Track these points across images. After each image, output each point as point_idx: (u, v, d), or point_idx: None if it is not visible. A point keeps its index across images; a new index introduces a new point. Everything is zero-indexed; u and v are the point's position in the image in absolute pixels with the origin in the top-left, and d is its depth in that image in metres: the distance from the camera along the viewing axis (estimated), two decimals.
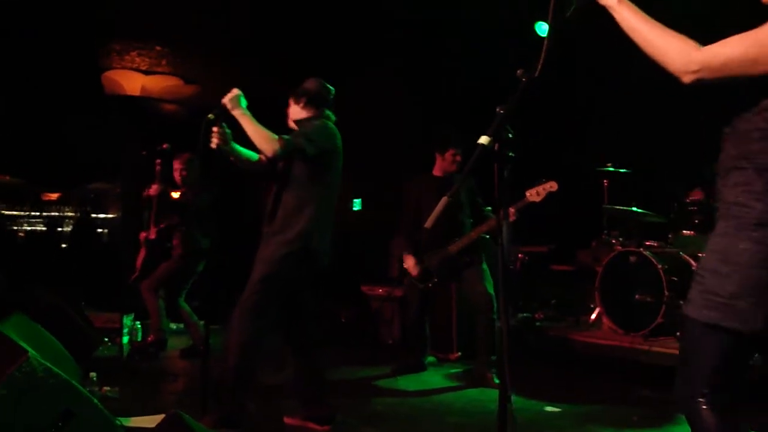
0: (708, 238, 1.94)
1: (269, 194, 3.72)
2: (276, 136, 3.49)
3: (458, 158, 5.13)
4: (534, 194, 4.66)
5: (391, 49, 7.55)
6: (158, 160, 5.78)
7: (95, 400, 2.48)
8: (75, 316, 4.80)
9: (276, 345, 3.71)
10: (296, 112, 3.76)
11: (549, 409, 4.22)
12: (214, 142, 3.59)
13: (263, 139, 3.50)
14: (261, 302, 3.49)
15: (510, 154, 2.32)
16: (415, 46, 7.55)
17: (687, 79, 1.86)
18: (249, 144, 3.59)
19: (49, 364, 2.39)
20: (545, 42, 2.15)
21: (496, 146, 2.26)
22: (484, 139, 2.21)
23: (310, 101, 3.73)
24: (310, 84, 3.78)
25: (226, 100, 3.54)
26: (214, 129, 3.59)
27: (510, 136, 2.31)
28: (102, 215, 13.01)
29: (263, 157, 3.63)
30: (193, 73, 9.38)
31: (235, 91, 3.55)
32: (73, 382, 2.45)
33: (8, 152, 11.12)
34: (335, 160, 3.69)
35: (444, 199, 2.34)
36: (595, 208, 6.70)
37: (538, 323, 5.92)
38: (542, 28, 7.01)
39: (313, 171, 3.59)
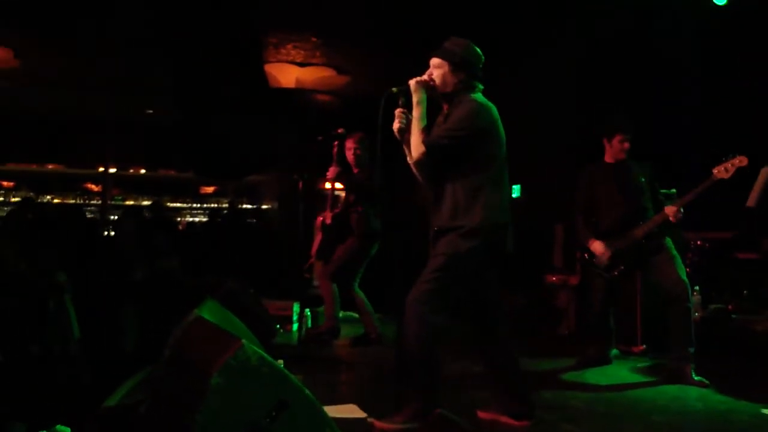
0: None
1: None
2: (423, 147, 3.29)
3: (626, 145, 4.78)
4: (722, 171, 4.31)
5: (553, 35, 7.17)
6: (335, 143, 5.72)
7: (307, 391, 2.37)
8: (254, 303, 4.84)
9: (453, 334, 3.51)
10: (448, 80, 3.39)
11: (767, 411, 3.77)
12: (396, 124, 3.43)
13: (416, 142, 3.33)
14: (434, 291, 3.28)
15: None
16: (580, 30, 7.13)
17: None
18: None
19: (262, 352, 2.30)
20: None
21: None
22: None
23: (469, 77, 3.40)
24: (467, 51, 3.42)
25: (413, 81, 3.37)
26: (398, 110, 3.44)
27: None
28: (257, 206, 13.49)
29: None
30: (346, 64, 9.42)
31: (427, 77, 3.37)
32: (285, 371, 2.35)
33: (173, 148, 11.73)
34: (495, 135, 3.36)
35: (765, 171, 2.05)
36: None
37: (734, 315, 5.39)
38: None
39: (471, 157, 3.32)
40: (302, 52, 8.99)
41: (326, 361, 5.17)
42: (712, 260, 6.45)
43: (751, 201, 5.24)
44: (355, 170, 5.72)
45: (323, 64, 9.43)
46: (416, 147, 3.34)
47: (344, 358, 5.30)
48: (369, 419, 3.37)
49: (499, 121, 3.39)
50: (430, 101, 3.40)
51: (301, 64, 9.39)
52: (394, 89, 3.39)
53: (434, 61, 3.43)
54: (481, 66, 3.46)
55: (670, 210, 4.48)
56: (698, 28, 6.35)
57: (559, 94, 7.31)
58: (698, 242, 6.41)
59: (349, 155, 5.69)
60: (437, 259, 3.32)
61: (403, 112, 3.41)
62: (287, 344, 5.67)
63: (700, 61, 6.49)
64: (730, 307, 5.58)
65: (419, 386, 3.27)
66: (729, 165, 4.26)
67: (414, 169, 3.46)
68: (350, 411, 3.59)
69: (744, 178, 4.40)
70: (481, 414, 3.49)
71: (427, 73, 3.41)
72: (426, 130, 3.35)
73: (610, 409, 3.82)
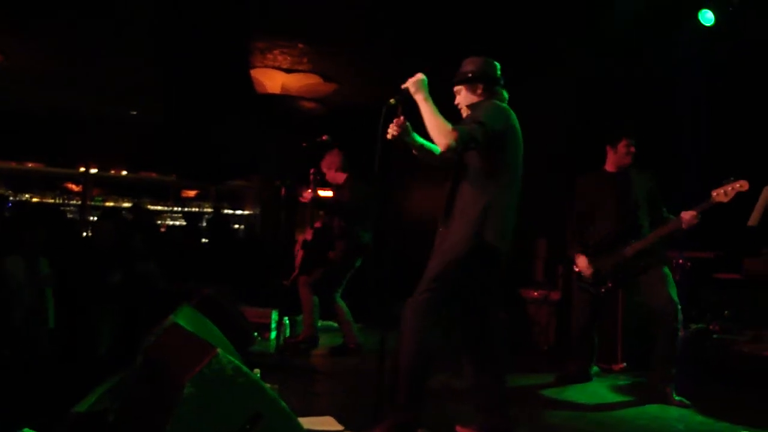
0: None
1: (443, 188, 3.45)
2: (450, 127, 3.21)
3: (632, 149, 4.72)
4: (721, 194, 4.24)
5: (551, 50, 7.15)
6: (312, 172, 5.68)
7: (282, 403, 2.30)
8: (232, 310, 4.76)
9: (453, 347, 3.45)
10: (469, 98, 3.46)
11: None
12: (391, 132, 3.38)
13: (439, 131, 3.22)
14: (433, 301, 3.22)
15: None
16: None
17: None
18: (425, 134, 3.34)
19: (238, 362, 2.22)
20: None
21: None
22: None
23: (487, 87, 3.43)
24: (478, 66, 3.44)
25: (408, 83, 3.32)
26: (396, 120, 3.37)
27: None
28: (239, 211, 13.37)
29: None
30: (333, 72, 9.34)
31: (419, 75, 3.32)
32: (261, 382, 2.27)
33: (156, 150, 11.60)
34: (511, 141, 3.33)
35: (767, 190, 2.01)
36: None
37: (715, 335, 5.37)
38: (706, 17, 6.51)
39: (488, 157, 3.27)
40: (289, 58, 8.90)
41: (303, 370, 5.08)
42: (694, 280, 6.43)
43: (753, 221, 5.21)
44: (340, 179, 5.66)
45: (310, 71, 9.36)
46: (443, 133, 3.17)
47: (322, 367, 5.22)
48: None
49: (517, 126, 3.36)
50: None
51: (288, 71, 9.31)
52: (392, 100, 3.32)
53: (455, 89, 3.50)
54: (499, 74, 3.47)
55: (686, 215, 4.33)
56: (692, 48, 6.37)
57: (546, 108, 7.28)
58: (680, 261, 6.40)
59: (330, 172, 5.66)
60: (437, 266, 3.26)
61: (401, 122, 3.33)
62: (264, 352, 5.58)
63: (699, 83, 6.49)
64: (711, 326, 5.56)
65: (403, 399, 3.20)
66: (729, 188, 4.18)
67: (440, 157, 3.39)
68: (327, 423, 3.51)
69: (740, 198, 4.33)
70: (460, 429, 3.42)
71: (418, 75, 3.34)
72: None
73: (590, 427, 3.77)
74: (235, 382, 2.21)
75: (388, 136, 3.35)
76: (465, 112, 3.47)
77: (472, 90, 3.44)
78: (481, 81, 3.43)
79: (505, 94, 3.48)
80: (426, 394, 3.28)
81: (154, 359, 2.57)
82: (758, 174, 4.50)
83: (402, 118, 3.36)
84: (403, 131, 3.34)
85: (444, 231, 3.34)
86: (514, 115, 3.36)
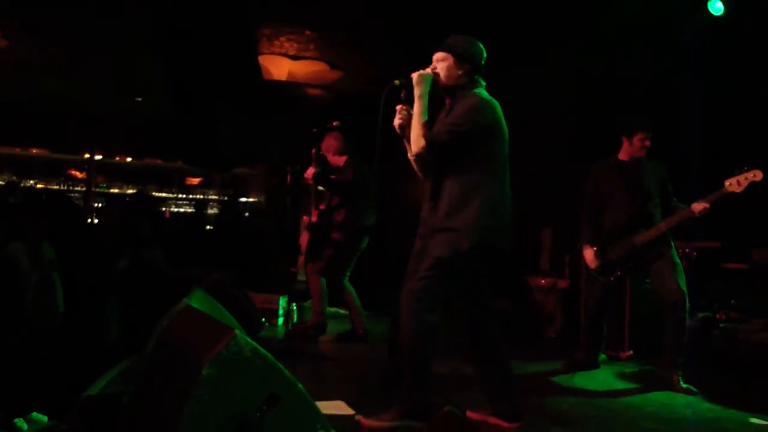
0: None
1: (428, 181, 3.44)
2: (424, 141, 3.23)
3: (647, 143, 4.71)
4: (734, 184, 4.24)
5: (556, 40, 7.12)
6: (313, 150, 5.66)
7: (299, 385, 2.31)
8: (241, 295, 4.77)
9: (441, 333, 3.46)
10: (452, 74, 3.35)
11: (755, 420, 3.75)
12: (398, 120, 3.38)
13: (416, 136, 3.27)
14: (430, 288, 3.20)
15: None
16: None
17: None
18: None
19: (255, 344, 2.23)
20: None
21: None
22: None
23: (472, 70, 3.36)
24: (471, 46, 3.38)
25: (416, 74, 3.31)
26: (399, 106, 3.38)
27: None
28: (243, 199, 13.38)
29: None
30: (339, 59, 9.32)
31: (428, 71, 3.32)
32: (279, 364, 2.28)
33: (161, 137, 11.59)
34: (497, 133, 3.30)
35: None
36: None
37: (722, 324, 5.38)
38: (715, 6, 6.49)
39: (472, 154, 3.24)
40: (295, 45, 8.89)
41: (312, 356, 5.10)
42: (701, 269, 6.44)
43: None
44: (340, 161, 5.64)
45: (316, 58, 9.34)
46: (416, 141, 3.28)
47: (330, 353, 5.24)
48: (356, 416, 3.30)
49: (503, 119, 3.32)
50: (432, 97, 3.35)
51: (294, 57, 9.29)
52: (397, 81, 3.33)
53: (438, 55, 3.38)
54: (483, 62, 3.40)
55: (698, 206, 4.33)
56: (701, 39, 6.34)
57: (553, 96, 7.27)
58: (686, 250, 6.40)
59: (330, 153, 5.64)
60: (432, 257, 3.25)
61: (404, 108, 3.35)
62: (272, 338, 5.60)
63: (706, 74, 6.47)
64: (718, 315, 5.57)
65: (411, 384, 3.21)
66: (742, 178, 4.18)
67: (414, 164, 3.40)
68: (337, 407, 3.52)
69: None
70: (471, 414, 3.43)
71: (431, 67, 3.36)
72: (427, 125, 3.30)
73: (600, 414, 3.79)
74: (254, 364, 2.22)
75: (395, 123, 3.36)
76: (444, 80, 3.36)
77: (459, 64, 3.34)
78: (470, 62, 3.36)
79: (483, 82, 3.42)
80: (434, 379, 3.30)
81: (169, 342, 2.58)
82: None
83: (404, 106, 3.36)
84: (403, 121, 3.34)
85: (434, 226, 3.30)
86: (498, 107, 3.33)
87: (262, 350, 2.24)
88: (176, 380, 2.30)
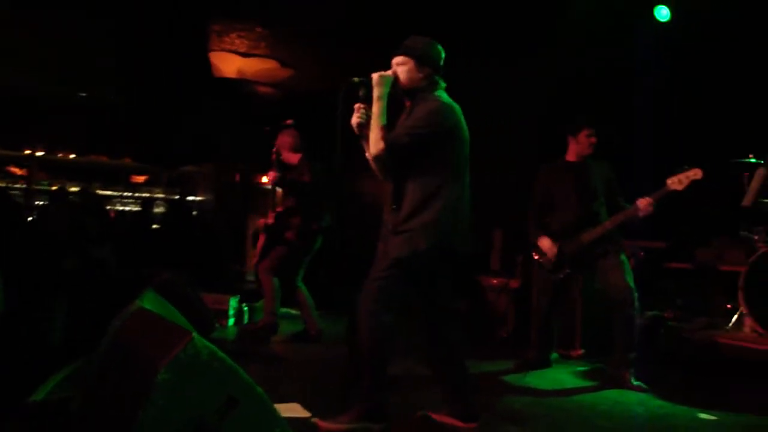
0: None
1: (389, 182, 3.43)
2: (383, 144, 3.22)
3: (593, 140, 4.80)
4: (676, 182, 4.35)
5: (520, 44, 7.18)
6: (274, 151, 5.59)
7: (258, 388, 2.26)
8: (193, 295, 4.67)
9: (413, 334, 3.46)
10: (413, 77, 3.33)
11: (703, 416, 3.84)
12: (356, 119, 3.35)
13: (374, 138, 3.26)
14: (387, 287, 3.20)
15: None
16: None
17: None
18: None
19: (213, 347, 2.18)
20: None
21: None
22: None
23: (432, 72, 3.35)
24: (431, 48, 3.37)
25: (376, 75, 3.29)
26: (357, 105, 3.35)
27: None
28: (190, 197, 13.16)
29: None
30: (290, 57, 9.25)
31: (389, 73, 3.30)
32: (237, 367, 2.23)
33: (107, 133, 11.31)
34: (458, 137, 3.30)
35: (759, 172, 2.04)
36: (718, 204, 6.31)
37: (669, 323, 5.51)
38: (661, 13, 6.65)
39: (432, 156, 3.25)
40: (246, 42, 8.79)
41: (264, 357, 5.03)
42: (647, 269, 6.57)
43: (747, 201, 5.41)
44: (294, 159, 5.57)
45: (267, 56, 9.24)
46: (375, 143, 3.26)
47: (283, 354, 5.18)
48: (313, 419, 3.27)
49: (463, 121, 3.33)
50: (390, 98, 3.33)
51: (245, 55, 9.18)
52: (356, 79, 3.30)
53: (397, 59, 3.36)
54: (442, 63, 3.40)
55: (642, 202, 4.41)
56: (648, 43, 6.49)
57: (507, 99, 7.33)
58: (633, 251, 6.53)
59: (285, 149, 5.57)
60: (391, 257, 3.24)
61: (363, 107, 3.33)
62: (223, 339, 5.51)
63: (654, 76, 6.61)
64: (665, 314, 5.70)
65: (369, 384, 3.19)
66: (684, 177, 4.28)
67: (372, 164, 3.38)
68: (292, 410, 3.48)
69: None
70: (431, 415, 3.43)
71: (391, 70, 3.34)
72: (386, 127, 3.28)
73: (552, 413, 3.83)
74: (211, 367, 2.17)
75: (353, 122, 3.33)
76: (404, 83, 3.35)
77: (419, 68, 3.33)
78: (430, 65, 3.35)
79: (443, 83, 3.42)
80: (391, 380, 3.29)
81: (122, 344, 2.50)
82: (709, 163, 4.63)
83: (362, 105, 3.33)
84: (361, 120, 3.32)
85: (394, 227, 3.29)
86: (459, 110, 3.34)
87: (220, 353, 2.19)
88: (131, 384, 2.24)
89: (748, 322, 5.14)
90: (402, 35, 3.44)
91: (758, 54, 6.26)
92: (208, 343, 2.19)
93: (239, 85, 9.62)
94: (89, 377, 2.73)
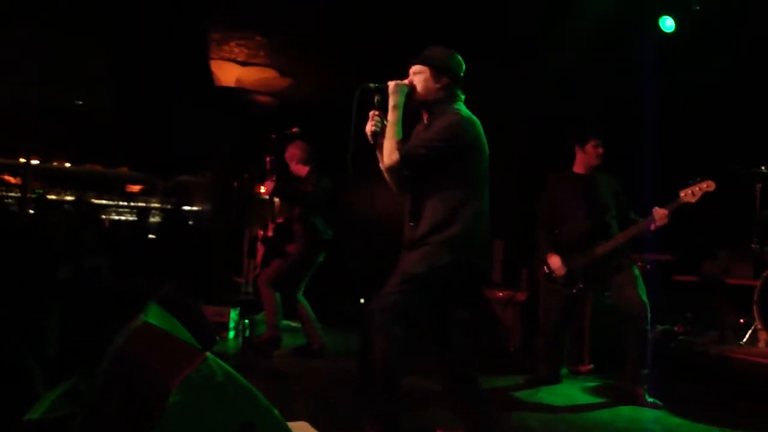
0: None
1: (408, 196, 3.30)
2: (397, 154, 3.10)
3: (600, 150, 4.71)
4: (689, 194, 4.27)
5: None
6: (268, 158, 5.45)
7: (275, 411, 2.13)
8: (194, 308, 4.54)
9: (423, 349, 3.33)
10: (430, 87, 3.21)
11: None
12: (370, 127, 3.22)
13: (389, 148, 3.13)
14: (401, 303, 3.06)
15: None
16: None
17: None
18: None
19: (228, 367, 2.05)
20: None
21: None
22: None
23: (451, 83, 3.22)
24: (450, 58, 3.25)
25: (392, 83, 3.16)
26: (372, 112, 3.22)
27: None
28: (187, 207, 13.04)
29: None
30: (289, 66, 9.16)
31: (406, 81, 3.17)
32: (253, 389, 2.10)
33: (103, 142, 11.19)
34: (478, 150, 3.18)
35: None
36: (727, 215, 6.20)
37: (680, 337, 5.39)
38: (666, 24, 6.58)
39: (452, 170, 3.12)
40: (245, 50, 8.69)
41: (268, 372, 4.89)
42: (654, 282, 6.47)
43: None
44: (303, 171, 5.45)
45: (266, 65, 9.14)
46: (390, 153, 3.13)
47: (287, 369, 5.02)
48: None
49: (483, 135, 3.21)
50: (405, 110, 3.20)
51: (243, 63, 9.08)
52: (372, 84, 3.17)
53: (414, 68, 3.24)
54: (462, 74, 3.28)
55: (659, 212, 4.30)
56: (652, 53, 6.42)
57: (508, 108, 7.23)
58: (639, 263, 6.43)
59: (293, 164, 5.45)
60: (406, 272, 3.11)
61: (378, 115, 3.20)
62: (224, 353, 5.36)
63: (659, 88, 6.53)
64: (676, 328, 5.59)
65: (382, 399, 3.05)
66: (696, 189, 4.21)
67: (386, 175, 3.25)
68: (302, 429, 3.35)
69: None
70: None
71: (407, 80, 3.22)
72: (401, 137, 3.15)
73: (569, 430, 3.70)
74: (226, 390, 2.04)
75: (367, 130, 3.21)
76: (421, 94, 3.22)
77: (437, 78, 3.21)
78: (449, 75, 3.24)
79: (462, 96, 3.30)
80: (404, 397, 3.16)
81: (127, 361, 2.37)
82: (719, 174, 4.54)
83: (377, 112, 3.21)
84: (376, 128, 3.19)
85: (412, 241, 3.17)
86: (479, 124, 3.21)
87: (235, 374, 2.06)
88: (139, 405, 2.10)
89: (763, 336, 5.04)
90: (402, 43, 3.32)
91: (765, 64, 6.19)
92: (223, 363, 2.06)
93: (237, 93, 9.51)
94: (90, 397, 2.60)
